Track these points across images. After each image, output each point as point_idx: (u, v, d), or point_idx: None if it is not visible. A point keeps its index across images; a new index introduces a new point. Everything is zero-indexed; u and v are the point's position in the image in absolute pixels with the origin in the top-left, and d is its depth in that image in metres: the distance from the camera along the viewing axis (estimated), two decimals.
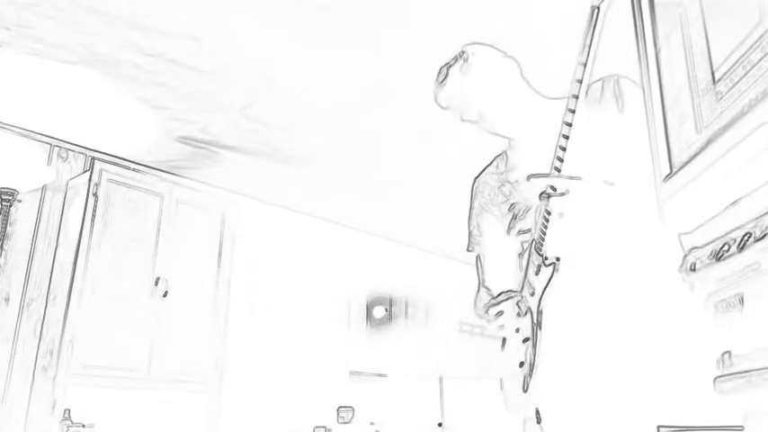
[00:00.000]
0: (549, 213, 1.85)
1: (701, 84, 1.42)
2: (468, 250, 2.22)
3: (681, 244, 1.47)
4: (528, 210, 1.98)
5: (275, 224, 4.41)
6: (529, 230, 1.98)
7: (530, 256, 1.95)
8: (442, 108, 2.07)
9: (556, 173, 1.80)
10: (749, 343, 1.22)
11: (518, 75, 2.00)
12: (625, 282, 1.71)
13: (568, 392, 1.77)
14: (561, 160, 1.77)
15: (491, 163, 2.18)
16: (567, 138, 1.74)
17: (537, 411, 1.84)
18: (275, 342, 4.24)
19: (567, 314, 1.82)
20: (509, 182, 2.07)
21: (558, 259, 1.84)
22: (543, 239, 1.88)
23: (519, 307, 1.96)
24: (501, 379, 2.06)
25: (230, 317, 3.82)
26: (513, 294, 1.98)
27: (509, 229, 2.06)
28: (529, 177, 1.88)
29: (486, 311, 2.06)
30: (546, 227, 1.87)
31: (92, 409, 3.09)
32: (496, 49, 2.02)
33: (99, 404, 3.13)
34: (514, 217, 2.04)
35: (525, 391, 1.89)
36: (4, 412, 3.06)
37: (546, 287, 1.85)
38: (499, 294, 2.03)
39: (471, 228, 2.21)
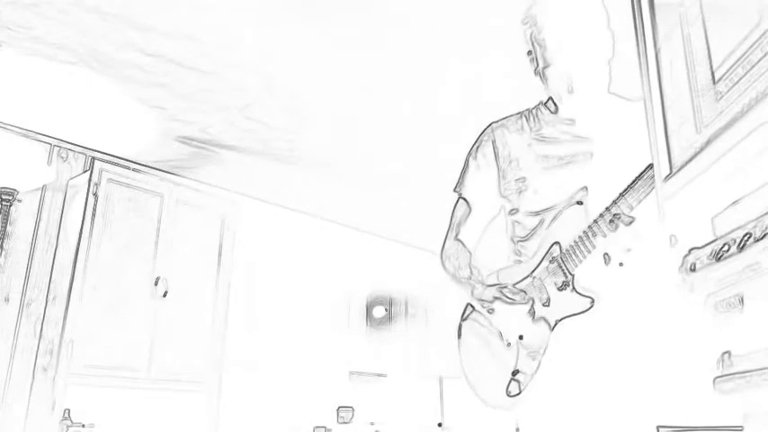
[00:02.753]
0: (594, 234, 1.73)
1: (701, 84, 1.42)
2: (454, 190, 2.09)
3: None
4: (535, 193, 1.87)
5: (275, 224, 4.41)
6: (532, 214, 1.89)
7: (544, 257, 1.86)
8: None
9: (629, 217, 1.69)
10: (749, 343, 1.22)
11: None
12: (624, 282, 1.70)
13: (567, 394, 1.76)
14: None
15: (518, 115, 1.97)
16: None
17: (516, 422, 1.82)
18: (275, 342, 4.23)
19: (570, 325, 1.79)
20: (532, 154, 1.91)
21: (593, 299, 1.74)
22: (577, 258, 1.77)
23: (532, 309, 1.88)
24: (468, 376, 1.99)
25: (230, 317, 3.82)
26: (526, 300, 1.90)
27: (502, 195, 1.95)
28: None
29: (492, 302, 1.97)
30: (585, 247, 1.74)
31: (92, 409, 3.09)
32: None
33: (99, 404, 3.12)
34: (517, 191, 1.93)
35: (511, 396, 1.85)
36: (4, 412, 3.06)
37: (573, 315, 1.76)
38: (505, 287, 1.95)
39: (469, 171, 2.06)
